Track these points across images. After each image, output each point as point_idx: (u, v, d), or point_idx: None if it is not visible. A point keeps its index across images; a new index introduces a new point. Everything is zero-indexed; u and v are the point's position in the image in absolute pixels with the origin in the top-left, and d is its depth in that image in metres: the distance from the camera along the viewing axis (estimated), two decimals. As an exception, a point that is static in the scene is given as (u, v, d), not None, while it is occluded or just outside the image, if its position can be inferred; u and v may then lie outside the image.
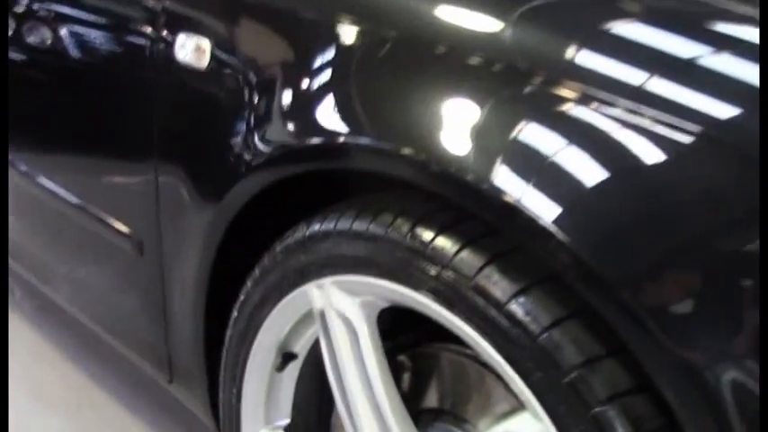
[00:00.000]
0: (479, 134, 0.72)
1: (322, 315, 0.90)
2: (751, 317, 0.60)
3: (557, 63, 0.73)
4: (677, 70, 0.68)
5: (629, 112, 0.66)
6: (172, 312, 1.19)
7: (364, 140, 0.83)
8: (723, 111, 0.64)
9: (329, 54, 0.91)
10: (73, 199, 1.37)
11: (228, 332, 1.06)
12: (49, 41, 1.33)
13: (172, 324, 1.21)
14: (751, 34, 0.70)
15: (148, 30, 1.10)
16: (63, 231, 1.48)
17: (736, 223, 0.62)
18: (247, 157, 0.96)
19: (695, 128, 0.63)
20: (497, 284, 0.72)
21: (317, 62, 0.92)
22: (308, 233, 0.89)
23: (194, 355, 1.15)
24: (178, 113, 1.09)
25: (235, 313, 1.03)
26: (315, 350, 1.00)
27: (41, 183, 1.46)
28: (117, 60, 1.21)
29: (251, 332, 1.01)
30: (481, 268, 0.73)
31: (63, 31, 1.31)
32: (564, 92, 0.70)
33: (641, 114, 0.65)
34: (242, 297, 1.01)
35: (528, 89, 0.72)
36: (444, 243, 0.75)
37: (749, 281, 0.60)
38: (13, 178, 1.53)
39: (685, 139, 0.63)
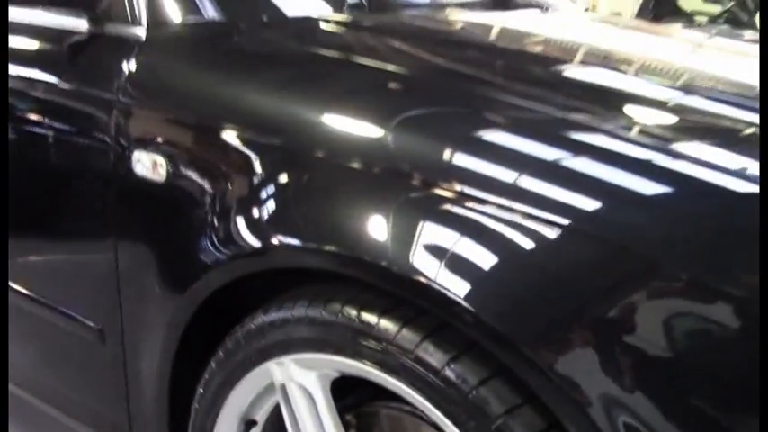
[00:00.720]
0: (377, 228, 0.92)
1: (283, 387, 1.07)
2: (623, 362, 0.80)
3: (434, 166, 0.93)
4: (541, 171, 0.89)
5: (500, 208, 0.87)
6: (135, 396, 1.33)
7: (293, 242, 1.02)
8: (583, 204, 0.85)
9: (250, 167, 1.10)
10: (32, 293, 1.49)
11: (194, 407, 1.21)
12: (16, 140, 1.45)
13: (135, 407, 1.35)
14: (600, 141, 0.92)
15: (108, 142, 1.26)
16: (21, 325, 1.59)
17: (600, 294, 0.83)
18: (204, 258, 1.12)
19: (558, 220, 0.84)
20: (433, 355, 0.91)
21: (243, 176, 1.11)
22: (267, 319, 1.06)
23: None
24: (138, 218, 1.25)
25: (200, 390, 1.18)
26: (272, 416, 1.16)
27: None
28: (79, 165, 1.34)
29: (216, 406, 1.17)
30: (419, 343, 0.91)
31: (28, 132, 1.44)
32: (442, 191, 0.90)
33: (512, 210, 0.86)
34: (206, 376, 1.17)
35: (409, 189, 0.93)
36: (387, 324, 0.94)
37: (618, 337, 0.80)
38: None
39: (550, 229, 0.84)
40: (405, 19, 1.58)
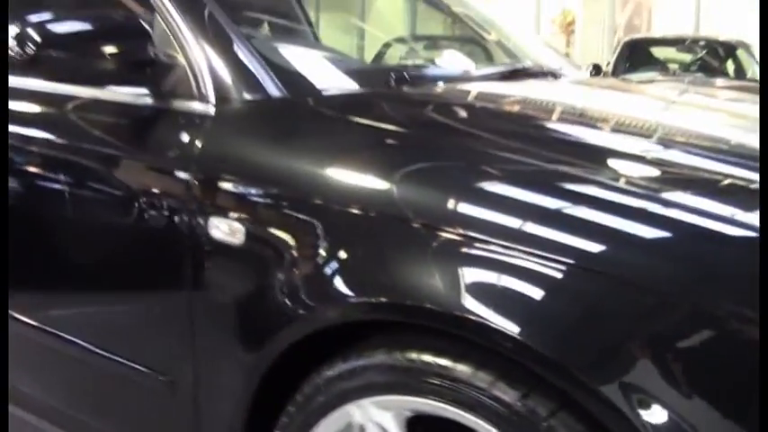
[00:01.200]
0: (435, 281, 1.10)
1: (361, 428, 1.20)
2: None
3: (439, 213, 1.12)
4: (541, 216, 1.07)
5: (503, 249, 1.05)
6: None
7: (363, 299, 1.18)
8: (587, 246, 1.02)
9: (317, 230, 1.25)
10: (100, 346, 1.61)
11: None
12: (91, 207, 1.59)
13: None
14: (593, 191, 1.10)
15: (186, 209, 1.39)
16: (86, 379, 1.70)
17: (625, 324, 0.98)
18: (282, 315, 1.26)
19: (560, 259, 1.01)
20: (506, 393, 1.04)
21: (312, 238, 1.25)
22: (346, 367, 1.19)
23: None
24: (215, 278, 1.38)
25: None
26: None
27: (60, 334, 1.68)
28: (156, 229, 1.46)
29: (295, 448, 1.29)
30: (493, 382, 1.05)
31: (101, 199, 1.57)
32: (447, 234, 1.09)
33: (514, 250, 1.04)
34: (285, 419, 1.29)
35: (415, 233, 1.13)
36: (463, 368, 1.08)
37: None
38: (29, 334, 1.75)
39: (555, 269, 1.02)
40: (438, 91, 1.73)
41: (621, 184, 1.13)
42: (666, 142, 1.40)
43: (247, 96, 1.47)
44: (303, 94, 1.51)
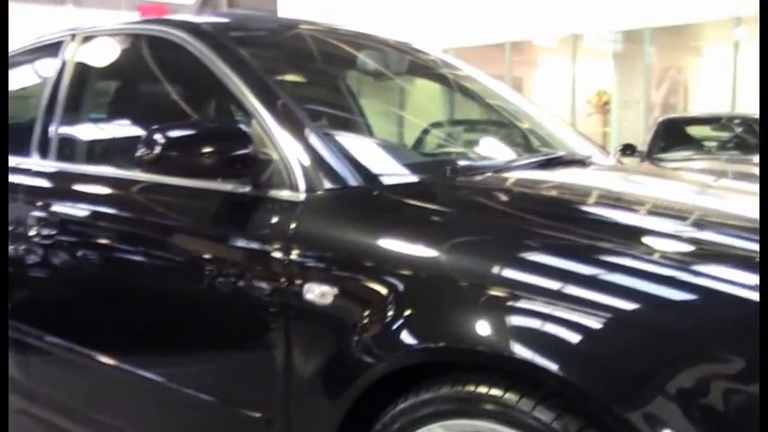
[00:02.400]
0: (491, 328, 1.41)
1: (431, 448, 1.51)
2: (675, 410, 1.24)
3: (484, 274, 1.46)
4: (577, 279, 1.40)
5: (546, 304, 1.37)
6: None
7: (429, 345, 1.49)
8: (618, 303, 1.34)
9: (392, 292, 1.58)
10: (204, 392, 1.95)
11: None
12: (201, 279, 1.95)
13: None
14: (620, 260, 1.42)
15: (284, 277, 1.74)
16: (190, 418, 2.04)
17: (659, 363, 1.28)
18: (367, 359, 1.58)
19: (594, 312, 1.34)
20: (544, 414, 1.35)
21: (388, 298, 1.58)
22: (419, 399, 1.51)
23: None
24: (309, 331, 1.71)
25: None
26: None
27: (171, 385, 2.03)
28: (258, 294, 1.80)
29: (374, 469, 1.60)
30: (534, 406, 1.36)
31: (206, 273, 1.93)
32: (492, 292, 1.42)
33: (552, 305, 1.36)
34: None
35: (462, 291, 1.46)
36: (510, 396, 1.39)
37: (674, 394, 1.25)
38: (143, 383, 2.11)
39: (590, 319, 1.33)
40: (483, 179, 2.07)
41: (644, 254, 1.44)
42: (672, 217, 1.72)
43: (329, 185, 1.82)
44: (373, 183, 1.86)
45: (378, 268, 1.62)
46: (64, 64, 2.66)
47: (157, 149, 1.84)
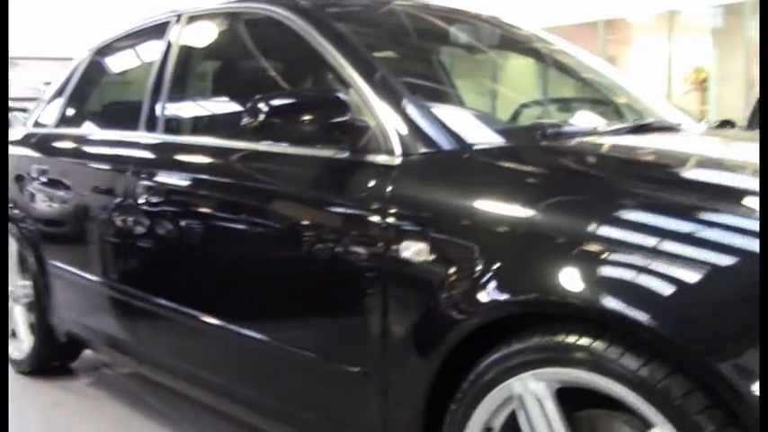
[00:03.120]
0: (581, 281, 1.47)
1: (520, 397, 1.57)
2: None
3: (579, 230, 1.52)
4: (668, 233, 1.44)
5: (640, 258, 1.41)
6: (395, 420, 1.85)
7: (520, 297, 1.57)
8: (712, 255, 1.37)
9: (486, 246, 1.65)
10: (305, 348, 2.07)
11: (446, 420, 1.71)
12: (305, 237, 2.05)
13: (393, 429, 1.86)
14: (718, 218, 1.45)
15: (379, 235, 1.83)
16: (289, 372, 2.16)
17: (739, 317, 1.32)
18: (460, 314, 1.65)
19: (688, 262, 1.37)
20: (632, 361, 1.40)
21: (482, 253, 1.65)
22: (511, 349, 1.58)
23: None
24: (404, 287, 1.79)
25: (453, 407, 1.69)
26: (505, 424, 1.65)
27: (269, 340, 2.16)
28: (357, 252, 1.90)
29: (465, 418, 1.67)
30: (622, 353, 1.41)
31: (307, 235, 2.04)
32: (586, 247, 1.48)
33: (649, 259, 1.40)
34: (459, 395, 1.68)
35: (558, 246, 1.53)
36: (598, 344, 1.44)
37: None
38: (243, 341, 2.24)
39: (691, 274, 1.36)
40: (572, 144, 2.11)
41: (738, 211, 1.47)
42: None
43: (423, 149, 1.90)
44: (465, 146, 1.93)
45: (472, 226, 1.69)
46: (170, 43, 2.82)
47: (261, 117, 1.95)
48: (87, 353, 3.51)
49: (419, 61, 2.80)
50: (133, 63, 3.36)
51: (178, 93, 2.77)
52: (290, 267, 2.12)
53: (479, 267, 1.64)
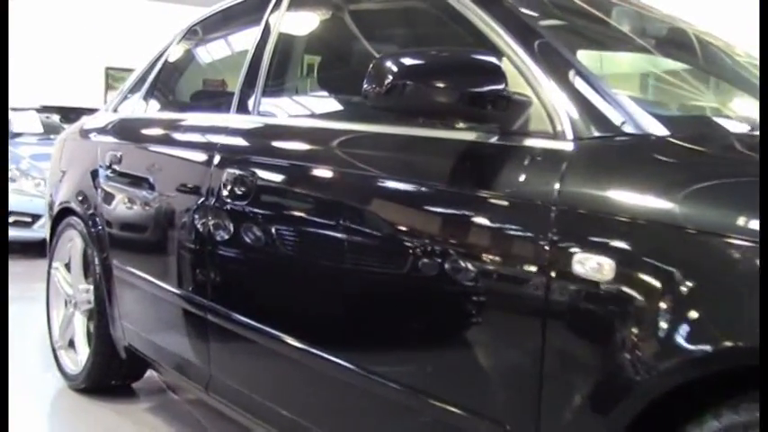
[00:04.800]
0: None
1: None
2: None
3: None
4: None
5: None
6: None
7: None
8: None
9: (705, 265, 1.14)
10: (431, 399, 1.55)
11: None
12: (440, 245, 1.53)
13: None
14: None
15: (546, 245, 1.32)
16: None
17: None
18: (658, 361, 1.13)
19: None
20: None
21: (697, 274, 1.13)
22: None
23: None
24: (575, 318, 1.28)
25: None
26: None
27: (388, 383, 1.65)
28: (512, 263, 1.40)
29: None
30: None
31: (456, 239, 1.52)
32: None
33: None
34: None
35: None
36: None
37: None
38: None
39: None
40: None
41: None
42: None
43: (596, 133, 1.40)
44: (652, 131, 1.41)
45: (683, 239, 1.17)
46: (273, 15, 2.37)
47: (389, 79, 1.47)
48: (152, 372, 3.08)
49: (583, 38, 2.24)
50: (228, 42, 2.95)
51: (281, 71, 2.31)
52: (412, 288, 1.61)
53: (692, 299, 1.12)
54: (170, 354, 2.52)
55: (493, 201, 1.45)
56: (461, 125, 1.56)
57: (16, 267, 6.09)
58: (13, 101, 8.10)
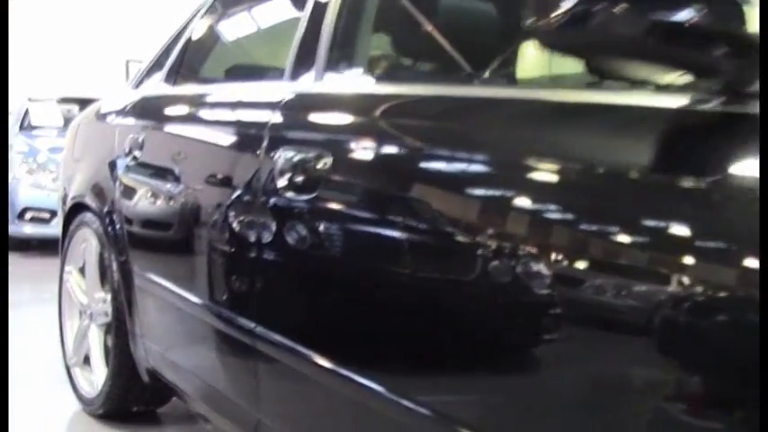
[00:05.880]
0: None
1: None
2: None
3: None
4: None
5: None
6: None
7: None
8: None
9: None
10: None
11: None
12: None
13: None
14: None
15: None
16: None
17: None
18: None
19: None
20: None
21: None
22: None
23: None
24: None
25: None
26: None
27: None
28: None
29: None
30: None
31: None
32: None
33: None
34: None
35: None
36: None
37: None
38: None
39: None
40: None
41: None
42: None
43: None
44: None
45: None
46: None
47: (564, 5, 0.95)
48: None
49: None
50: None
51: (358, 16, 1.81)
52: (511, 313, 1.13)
53: None
54: (204, 387, 2.03)
55: (705, 192, 0.94)
56: (665, 81, 1.03)
57: (32, 266, 5.76)
58: (32, 93, 7.76)
